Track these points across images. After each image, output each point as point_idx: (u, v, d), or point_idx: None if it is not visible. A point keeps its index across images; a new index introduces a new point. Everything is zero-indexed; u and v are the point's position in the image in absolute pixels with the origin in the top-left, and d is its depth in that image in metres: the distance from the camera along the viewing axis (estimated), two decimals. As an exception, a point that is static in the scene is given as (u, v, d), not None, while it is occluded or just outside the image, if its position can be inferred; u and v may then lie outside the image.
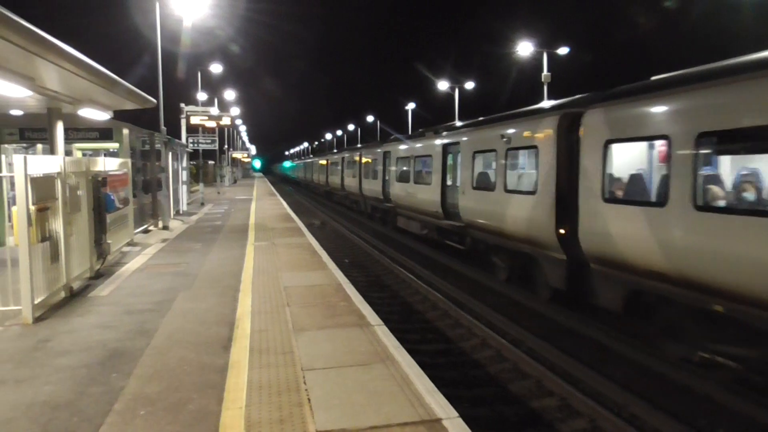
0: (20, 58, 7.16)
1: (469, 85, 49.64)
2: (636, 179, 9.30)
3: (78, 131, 15.15)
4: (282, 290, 9.33)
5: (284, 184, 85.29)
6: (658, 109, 8.43)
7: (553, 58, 34.44)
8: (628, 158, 9.68)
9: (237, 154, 79.56)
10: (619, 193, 9.42)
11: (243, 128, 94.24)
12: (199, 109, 34.58)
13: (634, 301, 9.12)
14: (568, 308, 11.20)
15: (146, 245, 14.87)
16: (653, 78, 9.17)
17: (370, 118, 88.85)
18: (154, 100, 13.63)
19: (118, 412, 4.96)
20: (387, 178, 24.56)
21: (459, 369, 8.96)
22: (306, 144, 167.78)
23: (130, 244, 14.41)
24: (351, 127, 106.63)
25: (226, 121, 35.52)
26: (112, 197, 11.90)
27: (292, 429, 4.58)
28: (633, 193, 9.20)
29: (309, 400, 5.08)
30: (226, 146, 61.35)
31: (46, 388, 5.50)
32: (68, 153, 15.04)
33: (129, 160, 14.73)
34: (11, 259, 8.10)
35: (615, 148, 9.43)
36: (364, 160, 29.69)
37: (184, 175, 28.05)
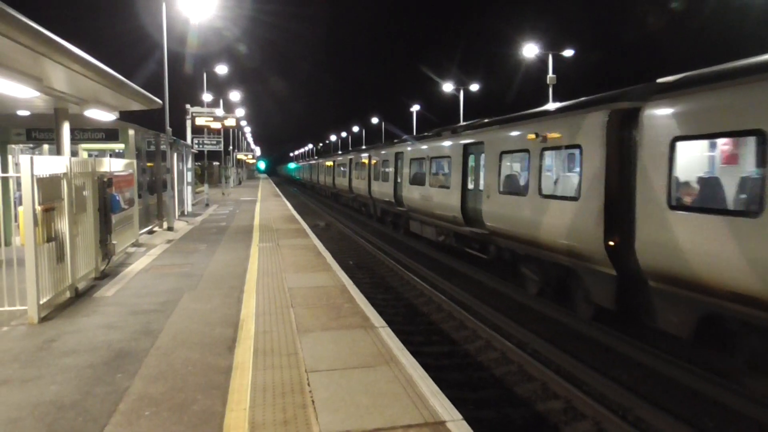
0: (28, 59, 7.20)
1: (474, 87, 49.61)
2: (715, 183, 7.96)
3: (84, 132, 15.22)
4: (286, 291, 9.34)
5: (289, 186, 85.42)
6: (750, 98, 6.97)
7: (559, 60, 34.40)
8: (703, 158, 8.40)
9: (242, 155, 79.69)
10: (693, 200, 8.08)
11: (248, 129, 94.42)
12: (205, 110, 34.64)
13: (709, 326, 7.76)
14: (572, 310, 11.17)
15: (151, 246, 14.91)
16: (736, 63, 7.69)
17: (374, 120, 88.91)
18: (160, 101, 13.67)
19: (123, 413, 4.97)
20: (399, 180, 23.19)
21: (463, 371, 8.94)
22: (311, 145, 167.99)
23: (135, 244, 14.45)
24: (356, 128, 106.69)
25: (231, 122, 35.55)
26: (117, 198, 11.93)
27: (296, 430, 4.57)
28: (712, 199, 7.83)
29: (313, 401, 5.08)
30: (231, 147, 61.51)
31: (52, 387, 5.52)
32: (74, 153, 15.12)
33: (134, 161, 14.78)
34: (17, 259, 8.14)
35: (685, 146, 8.01)
36: (373, 161, 28.47)
37: (189, 176, 28.12)
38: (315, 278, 10.40)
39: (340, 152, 53.71)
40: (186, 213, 25.28)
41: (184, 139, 29.67)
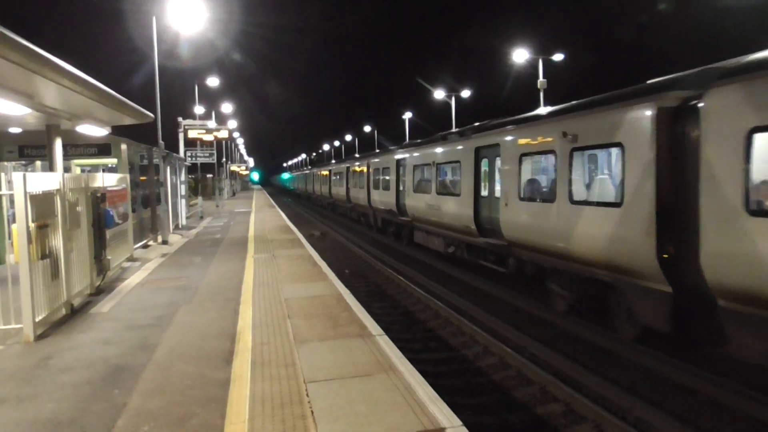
0: (20, 76, 7.20)
1: (466, 93, 49.77)
2: None
3: (77, 147, 15.19)
4: (283, 302, 9.33)
5: (283, 196, 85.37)
6: None
7: (550, 64, 34.59)
8: None
9: (235, 167, 79.63)
10: None
11: (241, 141, 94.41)
12: (197, 122, 34.65)
13: None
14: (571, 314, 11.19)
15: (146, 260, 14.86)
16: None
17: (367, 128, 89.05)
18: (152, 115, 13.67)
19: (121, 429, 4.95)
20: (401, 188, 21.95)
21: (462, 377, 8.94)
22: (304, 155, 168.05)
23: (130, 259, 14.40)
24: (348, 137, 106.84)
25: (223, 134, 35.54)
26: (111, 213, 11.91)
27: (296, 441, 4.56)
28: None
29: (312, 411, 5.07)
30: (224, 159, 61.45)
31: (49, 405, 5.49)
32: (67, 169, 15.08)
33: (127, 176, 14.76)
34: (12, 277, 8.10)
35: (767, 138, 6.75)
36: (373, 169, 27.15)
37: (182, 189, 28.07)
38: (311, 288, 10.39)
39: (333, 161, 53.50)
40: (180, 226, 25.22)
41: (177, 152, 29.65)
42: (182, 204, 27.24)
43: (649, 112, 8.47)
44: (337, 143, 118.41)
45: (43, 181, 8.27)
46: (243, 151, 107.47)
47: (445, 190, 17.15)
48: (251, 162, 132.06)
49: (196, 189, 48.67)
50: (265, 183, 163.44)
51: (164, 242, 18.97)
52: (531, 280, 12.60)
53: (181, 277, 12.11)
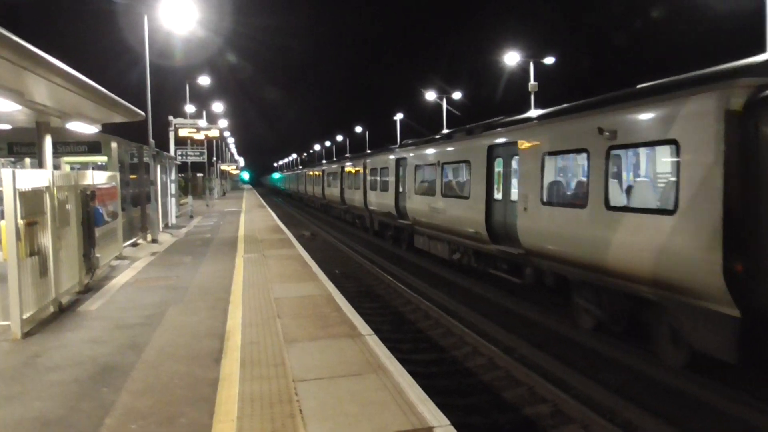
0: (10, 73, 7.16)
1: (457, 95, 49.93)
2: None
3: (66, 145, 15.08)
4: (272, 302, 9.32)
5: (274, 196, 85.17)
6: None
7: (541, 67, 34.78)
8: None
9: (225, 167, 79.40)
10: None
11: (231, 140, 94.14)
12: (188, 121, 34.52)
13: None
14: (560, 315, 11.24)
15: (135, 259, 14.80)
16: None
17: (358, 129, 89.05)
18: (143, 113, 13.63)
19: (109, 427, 4.94)
20: (402, 190, 20.68)
21: (451, 377, 8.97)
22: (294, 155, 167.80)
23: (119, 257, 14.33)
24: (339, 138, 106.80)
25: (214, 133, 35.45)
26: (100, 211, 11.85)
27: (285, 440, 4.57)
28: None
29: (301, 411, 5.08)
30: (214, 158, 61.24)
31: (36, 404, 5.46)
32: (56, 167, 14.99)
33: (117, 174, 14.69)
34: (-1, 275, 8.06)
35: None
36: (370, 169, 25.75)
37: (172, 188, 27.95)
38: (301, 288, 10.39)
39: (325, 161, 52.77)
40: (170, 225, 25.11)
41: (168, 150, 29.53)
42: (172, 203, 27.14)
43: (714, 103, 7.23)
44: (328, 143, 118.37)
45: (32, 178, 8.23)
46: (234, 150, 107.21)
47: (451, 192, 16.00)
48: (242, 161, 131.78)
49: (187, 188, 48.47)
50: (256, 183, 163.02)
51: (154, 241, 18.90)
52: (552, 292, 11.53)
53: (170, 277, 12.07)
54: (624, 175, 9.57)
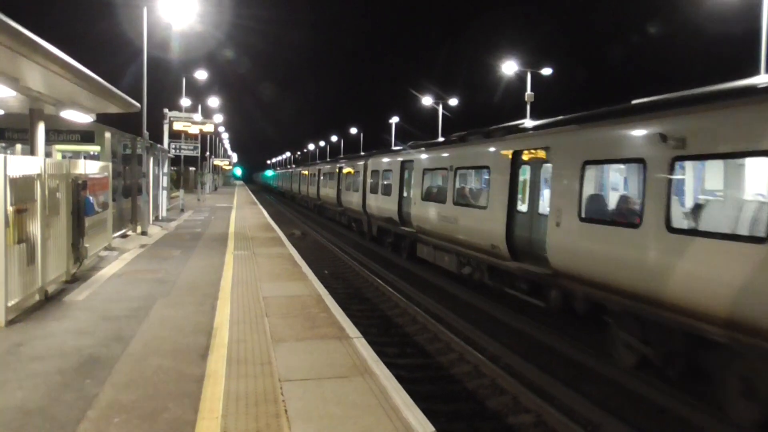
0: (7, 59, 7.11)
1: (453, 101, 50.08)
2: None
3: (59, 133, 15.00)
4: (261, 300, 9.29)
5: (266, 194, 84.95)
6: None
7: (539, 78, 34.98)
8: None
9: (218, 162, 79.14)
10: None
11: (225, 136, 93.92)
12: (183, 115, 34.41)
13: None
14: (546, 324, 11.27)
15: (124, 250, 14.70)
16: None
17: (353, 130, 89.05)
18: (138, 105, 13.57)
19: (91, 420, 4.89)
20: (406, 194, 19.18)
21: (436, 383, 8.97)
22: (288, 154, 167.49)
23: (108, 248, 14.24)
24: (334, 138, 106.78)
25: (209, 127, 35.37)
26: (91, 201, 11.77)
27: (268, 440, 4.55)
28: None
29: (286, 411, 5.06)
30: (207, 153, 61.05)
31: (18, 393, 5.41)
32: (48, 154, 14.87)
33: (110, 164, 14.60)
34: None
35: None
36: (371, 170, 24.07)
37: (164, 181, 27.83)
38: (290, 287, 10.37)
39: (324, 160, 51.60)
40: (160, 218, 24.99)
41: (161, 143, 29.40)
42: (163, 196, 27.01)
43: None
44: (322, 143, 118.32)
45: (23, 164, 8.17)
46: (227, 145, 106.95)
47: (465, 200, 14.67)
48: (235, 157, 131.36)
49: (178, 181, 48.25)
50: (248, 179, 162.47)
51: (143, 233, 18.79)
52: (582, 318, 10.30)
53: (159, 270, 12.00)
54: (692, 191, 8.36)
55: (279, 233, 19.65)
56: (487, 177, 13.59)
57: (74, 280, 10.45)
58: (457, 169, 15.09)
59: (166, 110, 31.32)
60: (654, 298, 7.85)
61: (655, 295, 7.80)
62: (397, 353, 10.30)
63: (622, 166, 9.65)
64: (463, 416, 7.79)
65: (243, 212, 29.55)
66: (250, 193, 62.86)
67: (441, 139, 23.65)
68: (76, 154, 17.61)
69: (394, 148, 24.50)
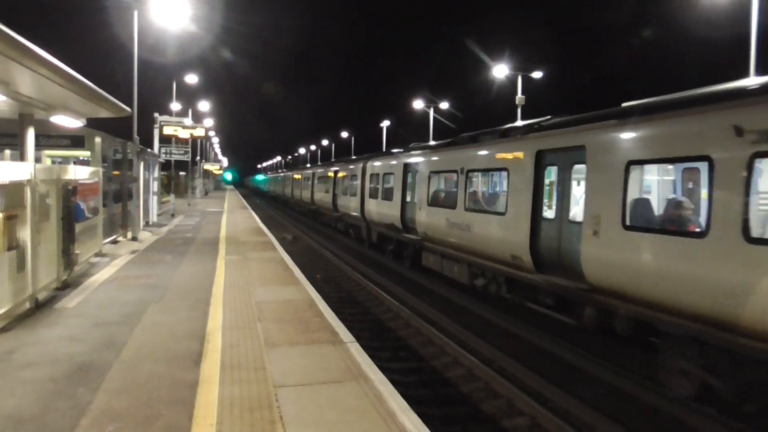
0: (-5, 63, 7.05)
1: (444, 105, 50.21)
2: None
3: (49, 138, 14.88)
4: (254, 305, 9.25)
5: (257, 198, 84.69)
6: None
7: (531, 81, 35.16)
8: None
9: (209, 166, 78.87)
10: None
11: (216, 140, 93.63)
12: (173, 119, 34.28)
13: None
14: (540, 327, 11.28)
15: (115, 256, 14.61)
16: None
17: (344, 134, 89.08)
18: (129, 109, 13.48)
19: (84, 428, 4.85)
20: (410, 199, 17.76)
21: (430, 387, 8.96)
22: (279, 158, 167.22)
23: (99, 254, 14.14)
24: (325, 142, 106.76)
25: (199, 132, 35.28)
26: (81, 206, 11.69)
27: (264, 446, 4.53)
28: None
29: (281, 417, 5.05)
30: (198, 157, 60.87)
31: (10, 401, 5.35)
32: (37, 160, 14.77)
33: (100, 169, 14.52)
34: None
35: None
36: (370, 174, 22.71)
37: (155, 186, 27.70)
38: (283, 292, 10.34)
39: (318, 163, 50.98)
40: (151, 223, 24.86)
41: (152, 147, 29.27)
42: (154, 201, 26.89)
43: None
44: (313, 147, 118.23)
45: (13, 170, 8.10)
46: (218, 150, 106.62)
47: (478, 205, 13.52)
48: (225, 161, 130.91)
49: (169, 186, 48.02)
50: (239, 184, 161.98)
51: (134, 239, 18.68)
52: (621, 338, 9.35)
53: (150, 275, 11.93)
54: None
55: (270, 237, 19.60)
56: (505, 180, 12.22)
57: (65, 287, 10.37)
58: (469, 171, 13.82)
59: (156, 114, 31.19)
60: (725, 321, 6.71)
61: (727, 317, 6.68)
62: (391, 357, 10.26)
63: (679, 164, 8.42)
64: (458, 419, 7.77)
65: (234, 216, 29.45)
66: (241, 197, 62.68)
67: (432, 142, 23.41)
68: (66, 160, 17.52)
69: (393, 150, 23.33)
